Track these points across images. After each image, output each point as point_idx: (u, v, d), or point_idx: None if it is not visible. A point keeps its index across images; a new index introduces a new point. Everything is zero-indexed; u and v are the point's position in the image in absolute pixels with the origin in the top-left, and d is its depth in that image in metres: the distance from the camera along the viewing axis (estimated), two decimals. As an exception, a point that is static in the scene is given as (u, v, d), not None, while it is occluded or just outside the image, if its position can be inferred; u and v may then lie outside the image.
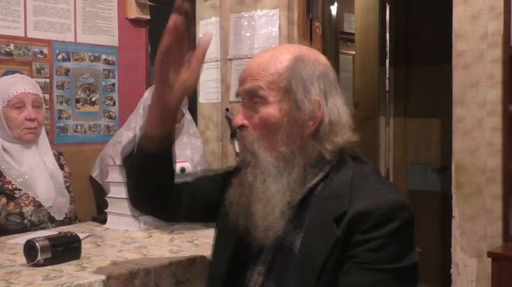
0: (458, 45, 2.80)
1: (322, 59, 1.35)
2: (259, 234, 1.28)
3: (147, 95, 2.90)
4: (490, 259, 2.56)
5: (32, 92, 2.44)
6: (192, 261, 1.77)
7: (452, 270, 2.84)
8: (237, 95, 1.37)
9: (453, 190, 2.85)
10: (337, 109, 1.31)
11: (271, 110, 1.29)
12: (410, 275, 1.24)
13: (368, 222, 1.21)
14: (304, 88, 1.28)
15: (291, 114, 1.28)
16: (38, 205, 2.36)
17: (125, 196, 2.23)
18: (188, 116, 2.97)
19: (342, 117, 1.31)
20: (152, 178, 1.43)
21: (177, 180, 1.53)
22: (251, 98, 1.31)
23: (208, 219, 1.54)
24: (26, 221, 2.31)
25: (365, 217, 1.21)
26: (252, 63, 1.35)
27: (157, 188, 1.46)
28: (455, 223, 2.84)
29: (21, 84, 2.44)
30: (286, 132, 1.28)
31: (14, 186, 2.34)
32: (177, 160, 2.70)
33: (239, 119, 1.33)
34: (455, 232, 2.83)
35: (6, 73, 2.80)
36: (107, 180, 2.38)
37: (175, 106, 1.35)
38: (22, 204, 2.33)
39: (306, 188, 1.30)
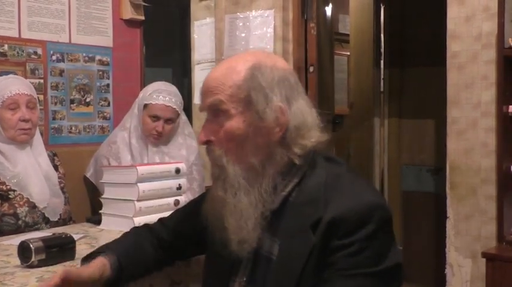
0: (453, 46, 2.81)
1: (281, 63, 1.34)
2: (233, 247, 1.28)
3: (142, 95, 2.90)
4: (484, 259, 2.56)
5: (26, 93, 2.43)
6: (187, 262, 1.77)
7: (447, 270, 2.85)
8: (201, 110, 1.36)
9: (447, 191, 2.86)
10: (301, 112, 1.30)
11: (234, 123, 1.28)
12: (392, 275, 1.23)
13: (344, 227, 1.20)
14: (264, 97, 1.27)
15: (255, 124, 1.27)
16: (33, 206, 2.35)
17: (119, 197, 2.24)
18: (183, 116, 2.97)
19: (307, 119, 1.30)
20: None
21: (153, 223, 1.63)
22: (214, 112, 1.31)
23: (204, 247, 1.51)
24: (20, 222, 2.30)
25: (341, 222, 1.20)
26: (210, 77, 1.33)
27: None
28: (449, 224, 2.84)
29: (16, 85, 2.43)
30: (253, 143, 1.28)
31: (8, 187, 2.33)
32: (172, 161, 2.71)
33: (203, 136, 1.32)
34: (450, 232, 2.84)
35: (0, 74, 2.79)
36: (101, 181, 2.37)
37: None
38: (16, 205, 2.32)
39: (281, 197, 1.29)
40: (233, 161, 1.28)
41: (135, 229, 1.65)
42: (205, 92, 1.32)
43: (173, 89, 2.89)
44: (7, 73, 2.78)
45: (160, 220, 1.65)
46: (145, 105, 2.81)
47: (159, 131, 2.79)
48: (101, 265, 1.42)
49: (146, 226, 1.65)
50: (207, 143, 1.32)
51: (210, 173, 1.37)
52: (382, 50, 4.68)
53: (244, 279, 1.32)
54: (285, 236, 1.26)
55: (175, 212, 1.66)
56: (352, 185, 1.28)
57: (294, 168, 1.29)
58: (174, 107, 2.81)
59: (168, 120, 2.81)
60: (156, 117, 2.79)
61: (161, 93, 2.81)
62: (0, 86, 2.42)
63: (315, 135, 1.30)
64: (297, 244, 1.23)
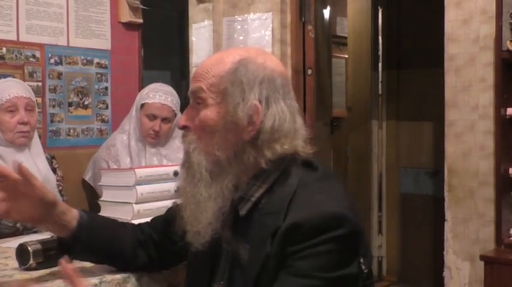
0: (450, 49, 2.81)
1: (271, 63, 1.30)
2: (189, 238, 1.28)
3: (139, 96, 2.90)
4: (482, 262, 2.56)
5: (24, 95, 2.43)
6: (185, 265, 1.77)
7: (445, 273, 2.85)
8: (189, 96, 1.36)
9: (445, 194, 2.86)
10: (280, 116, 1.26)
11: (209, 113, 1.27)
12: (340, 286, 1.18)
13: (299, 234, 1.16)
14: (241, 92, 1.25)
15: (228, 118, 1.25)
16: (30, 209, 2.35)
17: (117, 200, 2.24)
18: (181, 119, 2.97)
19: (283, 124, 1.26)
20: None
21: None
22: (195, 99, 1.30)
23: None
24: (18, 225, 2.30)
25: (296, 228, 1.17)
26: (200, 64, 1.34)
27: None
28: (447, 227, 2.84)
29: (14, 88, 2.43)
30: (223, 137, 1.26)
31: (6, 190, 2.33)
32: (170, 163, 2.71)
33: (182, 120, 1.32)
34: (448, 235, 2.84)
35: (-2, 77, 2.80)
36: (100, 183, 2.37)
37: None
38: (14, 208, 2.32)
39: (250, 203, 1.26)
40: (200, 150, 1.27)
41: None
42: (192, 78, 1.33)
43: (169, 89, 2.90)
44: (5, 76, 2.78)
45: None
46: (142, 105, 2.82)
47: (156, 131, 2.79)
48: (66, 208, 1.43)
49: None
50: (184, 128, 1.31)
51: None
52: (380, 52, 4.69)
53: (222, 283, 1.32)
54: (252, 243, 1.24)
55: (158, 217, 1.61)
56: (316, 195, 1.23)
57: (264, 173, 1.26)
58: (171, 105, 2.82)
59: (164, 120, 2.81)
60: (153, 116, 2.79)
61: (157, 93, 2.82)
62: (-1, 89, 2.42)
63: (290, 143, 1.26)
64: (257, 252, 1.21)
